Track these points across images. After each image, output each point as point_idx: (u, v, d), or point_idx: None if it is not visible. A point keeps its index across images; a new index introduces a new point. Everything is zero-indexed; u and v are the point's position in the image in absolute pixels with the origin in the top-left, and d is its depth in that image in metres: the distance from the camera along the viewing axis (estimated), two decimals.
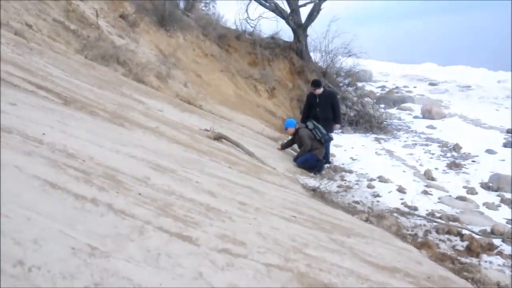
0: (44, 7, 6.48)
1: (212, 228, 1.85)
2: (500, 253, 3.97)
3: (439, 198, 5.59)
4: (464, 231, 4.38)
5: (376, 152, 8.08)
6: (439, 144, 8.62)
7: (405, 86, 16.49)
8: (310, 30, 12.46)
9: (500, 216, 5.07)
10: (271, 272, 1.62)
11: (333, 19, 12.13)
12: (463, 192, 5.87)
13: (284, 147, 6.65)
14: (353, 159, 7.24)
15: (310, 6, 12.46)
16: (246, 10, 12.52)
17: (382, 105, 11.81)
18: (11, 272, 1.10)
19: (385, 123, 10.43)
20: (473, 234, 4.28)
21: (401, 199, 5.45)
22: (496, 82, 14.83)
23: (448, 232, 4.38)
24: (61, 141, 2.14)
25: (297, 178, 5.19)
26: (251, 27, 12.59)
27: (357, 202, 5.08)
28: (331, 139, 6.46)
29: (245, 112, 8.96)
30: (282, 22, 12.41)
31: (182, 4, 12.18)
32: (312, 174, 5.75)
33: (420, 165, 7.22)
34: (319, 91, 6.75)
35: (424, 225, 4.60)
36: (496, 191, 5.95)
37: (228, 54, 11.43)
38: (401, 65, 20.47)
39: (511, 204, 5.39)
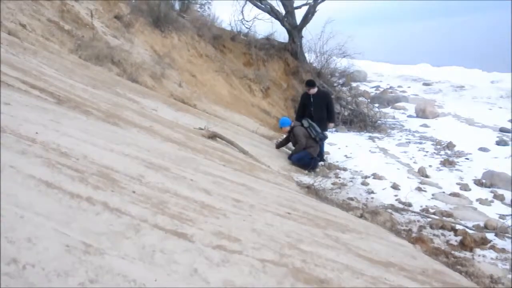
0: (39, 8, 6.45)
1: (207, 225, 1.85)
2: (493, 247, 4.03)
3: (433, 195, 5.63)
4: (458, 226, 4.43)
5: (370, 150, 8.11)
6: (432, 142, 8.67)
7: (399, 86, 16.63)
8: (305, 32, 12.48)
9: (493, 211, 5.12)
10: (266, 268, 1.63)
11: (328, 20, 12.17)
12: (456, 189, 5.92)
13: (279, 146, 6.68)
14: (347, 157, 7.27)
15: (305, 8, 12.49)
16: (242, 12, 12.51)
17: (376, 105, 11.86)
18: (6, 270, 1.10)
19: (379, 122, 10.47)
20: (467, 229, 4.33)
21: (395, 195, 5.48)
22: (489, 82, 14.96)
23: (442, 227, 4.43)
24: (55, 140, 2.13)
25: (291, 176, 5.20)
26: (246, 28, 12.59)
27: (351, 199, 5.10)
28: (325, 137, 6.51)
29: (239, 112, 8.96)
30: (277, 23, 12.40)
31: (177, 6, 12.14)
32: (306, 172, 5.78)
33: (414, 162, 7.27)
34: (314, 91, 6.78)
35: (418, 220, 4.64)
36: (489, 187, 6.01)
37: (223, 54, 11.41)
38: (395, 65, 20.59)
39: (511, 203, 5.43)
